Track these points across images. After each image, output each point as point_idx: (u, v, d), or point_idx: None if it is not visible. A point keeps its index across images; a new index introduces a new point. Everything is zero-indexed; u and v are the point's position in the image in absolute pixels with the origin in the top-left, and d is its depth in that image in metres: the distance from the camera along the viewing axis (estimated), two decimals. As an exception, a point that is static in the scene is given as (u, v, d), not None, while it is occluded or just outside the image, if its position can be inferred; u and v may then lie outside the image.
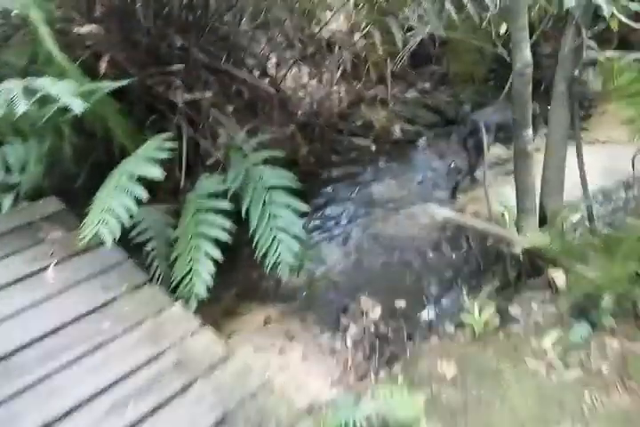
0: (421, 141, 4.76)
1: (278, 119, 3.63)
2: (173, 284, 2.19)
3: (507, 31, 2.69)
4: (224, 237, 2.29)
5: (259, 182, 2.63)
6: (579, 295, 2.11)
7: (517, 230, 2.53)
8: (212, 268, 2.19)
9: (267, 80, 3.81)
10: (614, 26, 1.96)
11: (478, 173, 3.82)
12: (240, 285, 3.02)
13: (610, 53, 2.08)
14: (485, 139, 3.35)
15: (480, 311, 2.27)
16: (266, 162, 2.74)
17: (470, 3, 2.81)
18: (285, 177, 2.62)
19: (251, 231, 2.46)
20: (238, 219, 2.49)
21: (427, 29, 3.86)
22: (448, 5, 2.83)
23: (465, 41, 3.56)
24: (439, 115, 4.98)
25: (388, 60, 4.55)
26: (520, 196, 2.42)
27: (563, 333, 2.03)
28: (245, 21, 3.36)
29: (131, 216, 2.02)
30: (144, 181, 2.16)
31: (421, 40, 4.16)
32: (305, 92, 4.34)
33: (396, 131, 4.69)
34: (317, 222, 3.75)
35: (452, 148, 4.69)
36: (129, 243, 2.39)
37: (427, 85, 5.08)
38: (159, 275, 2.31)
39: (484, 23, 2.90)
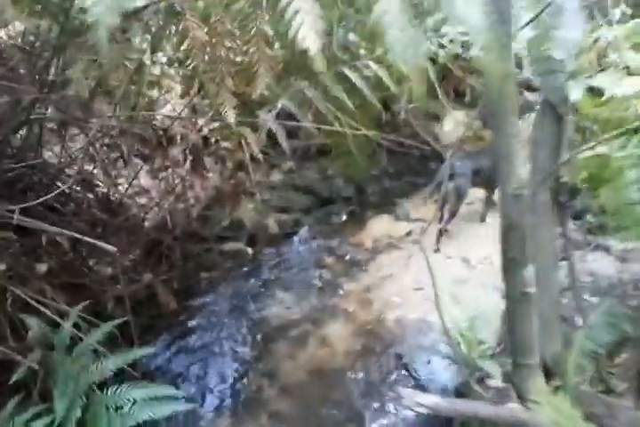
0: (302, 232, 3.98)
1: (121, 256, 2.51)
2: None
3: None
4: None
5: (116, 418, 1.51)
6: None
7: (516, 393, 1.81)
8: None
9: (91, 197, 2.68)
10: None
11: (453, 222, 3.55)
12: None
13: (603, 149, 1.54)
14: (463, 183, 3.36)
15: None
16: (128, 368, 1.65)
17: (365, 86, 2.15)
18: (166, 398, 1.55)
19: None
20: None
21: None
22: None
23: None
24: (313, 195, 4.31)
25: (243, 142, 3.74)
26: (519, 350, 1.74)
27: None
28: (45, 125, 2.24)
29: None
30: None
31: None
32: (148, 197, 3.27)
33: (271, 224, 3.83)
34: (203, 384, 2.64)
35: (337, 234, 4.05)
36: None
37: (291, 164, 4.36)
38: None
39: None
